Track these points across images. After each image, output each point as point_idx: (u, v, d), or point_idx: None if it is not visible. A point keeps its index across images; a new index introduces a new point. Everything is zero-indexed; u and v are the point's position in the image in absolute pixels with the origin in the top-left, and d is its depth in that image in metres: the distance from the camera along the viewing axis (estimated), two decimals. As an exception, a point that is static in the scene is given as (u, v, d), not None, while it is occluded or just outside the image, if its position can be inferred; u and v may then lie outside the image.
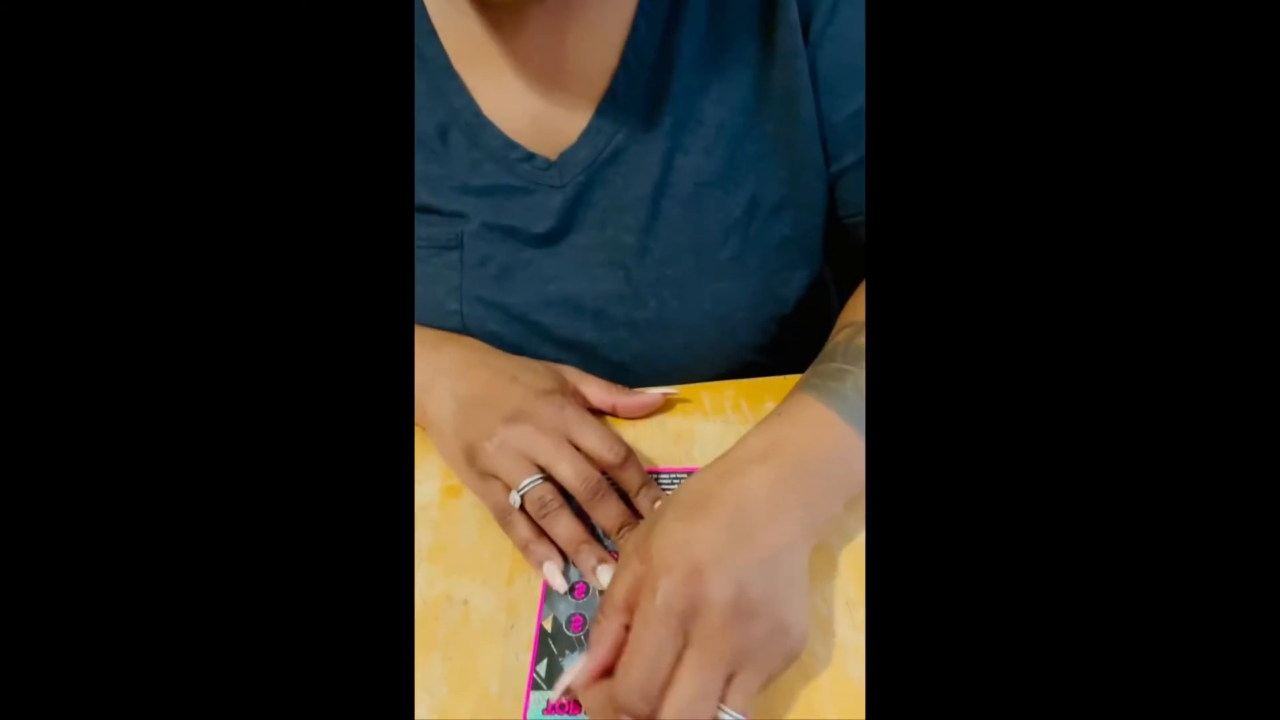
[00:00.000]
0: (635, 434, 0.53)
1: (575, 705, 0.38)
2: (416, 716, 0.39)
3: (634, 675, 0.34)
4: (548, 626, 0.42)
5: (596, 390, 0.53)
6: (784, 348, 0.60)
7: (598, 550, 0.44)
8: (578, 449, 0.45)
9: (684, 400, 0.55)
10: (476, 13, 0.51)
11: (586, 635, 0.41)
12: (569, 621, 0.42)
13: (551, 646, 0.41)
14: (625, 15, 0.52)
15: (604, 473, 0.45)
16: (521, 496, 0.44)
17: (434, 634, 0.42)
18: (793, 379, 0.56)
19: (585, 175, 0.53)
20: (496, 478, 0.45)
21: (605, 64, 0.52)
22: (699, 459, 0.51)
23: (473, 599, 0.44)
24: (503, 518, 0.45)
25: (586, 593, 0.43)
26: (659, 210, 0.54)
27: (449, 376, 0.50)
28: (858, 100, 0.51)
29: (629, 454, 0.46)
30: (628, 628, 0.36)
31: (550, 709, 0.38)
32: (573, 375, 0.53)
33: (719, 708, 0.33)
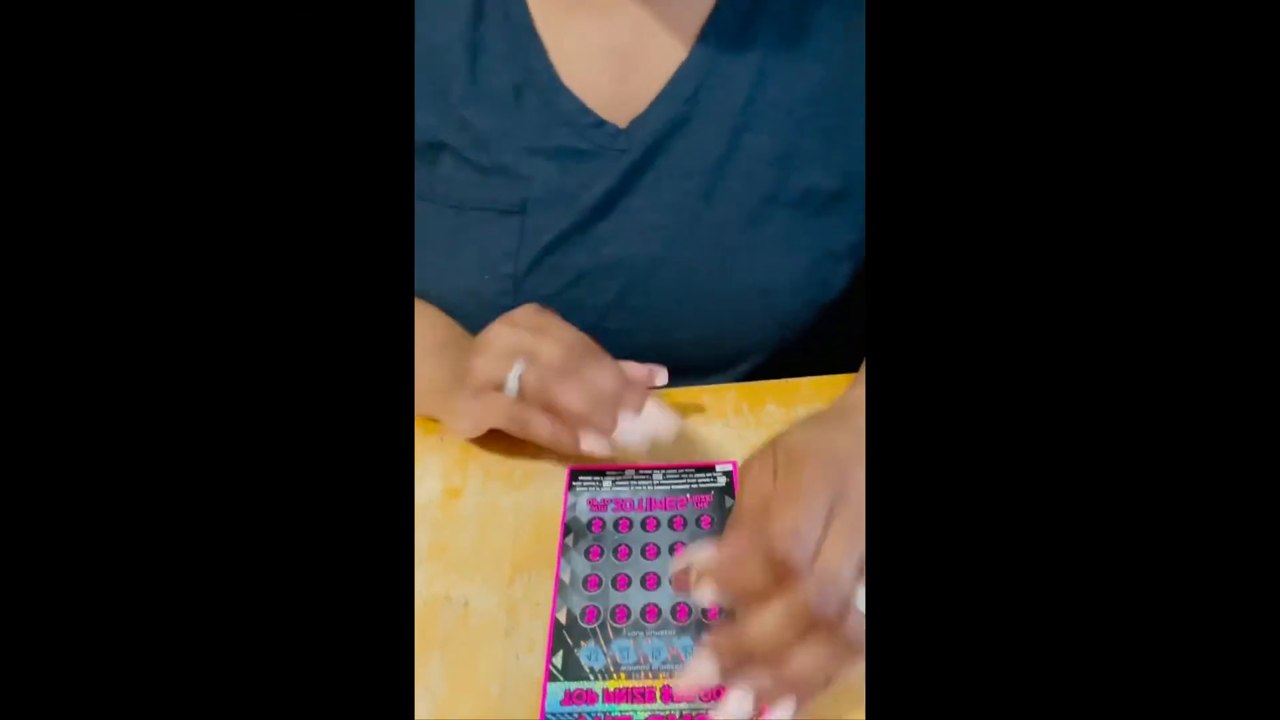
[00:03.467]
0: (636, 435, 0.53)
1: (592, 695, 0.38)
2: (416, 716, 0.39)
3: (788, 519, 0.33)
4: (561, 619, 0.42)
5: (634, 367, 0.52)
6: (824, 333, 0.61)
7: (612, 413, 0.45)
8: None
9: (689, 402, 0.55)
10: None
11: (601, 626, 0.41)
12: (583, 613, 0.42)
13: (566, 638, 0.41)
14: (694, 22, 0.53)
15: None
16: (519, 380, 0.45)
17: (434, 634, 0.42)
18: (793, 381, 0.57)
19: (653, 140, 0.54)
20: (492, 387, 0.46)
21: (685, 36, 0.54)
22: (699, 459, 0.51)
23: (472, 599, 0.44)
24: (518, 425, 0.46)
25: (599, 585, 0.44)
26: (718, 182, 0.55)
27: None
28: None
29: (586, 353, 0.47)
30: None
31: (568, 699, 0.38)
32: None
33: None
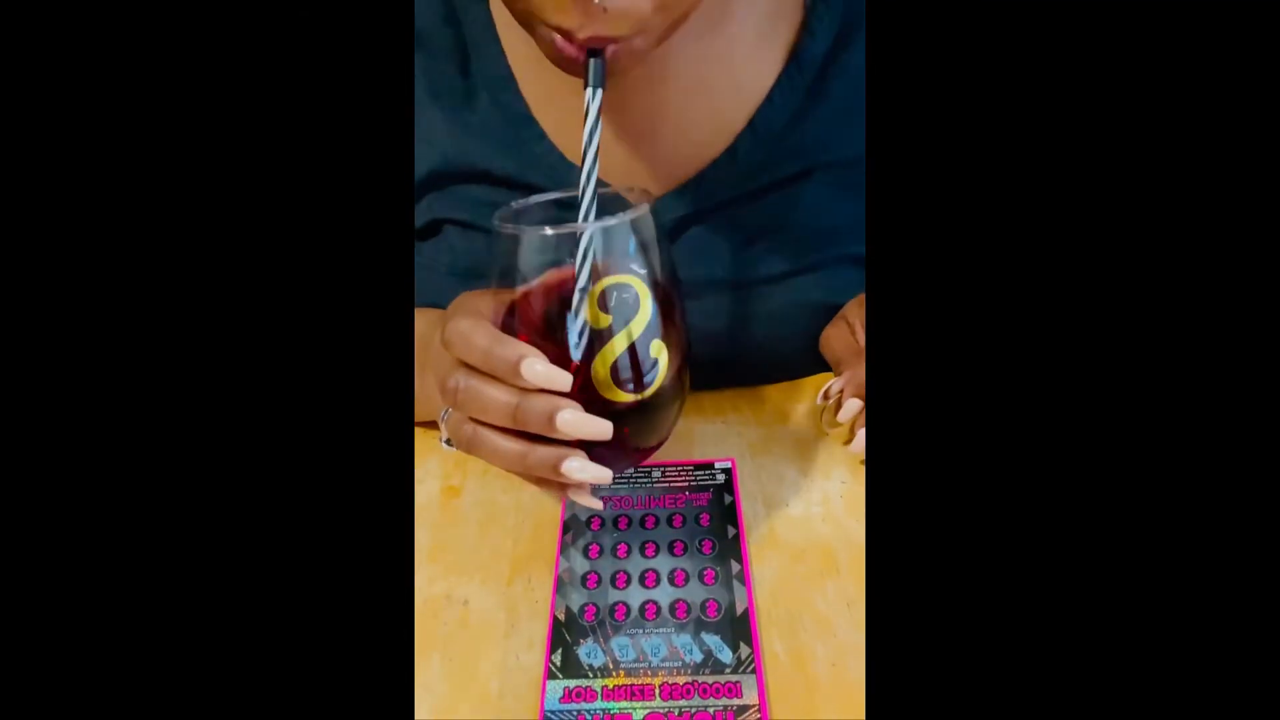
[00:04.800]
0: (635, 434, 0.53)
1: (591, 692, 0.39)
2: (416, 716, 0.39)
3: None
4: (561, 616, 0.42)
5: None
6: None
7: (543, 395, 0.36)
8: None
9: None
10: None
11: (600, 624, 0.42)
12: (582, 611, 0.42)
13: (566, 636, 0.41)
14: (754, 83, 0.52)
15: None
16: (446, 441, 0.40)
17: (434, 634, 0.42)
18: (792, 383, 0.57)
19: (685, 217, 0.53)
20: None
21: (722, 126, 0.52)
22: (698, 457, 0.51)
23: (472, 599, 0.44)
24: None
25: (598, 583, 0.44)
26: (756, 256, 0.54)
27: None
28: None
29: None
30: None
31: (567, 697, 0.39)
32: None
33: None
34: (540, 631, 0.42)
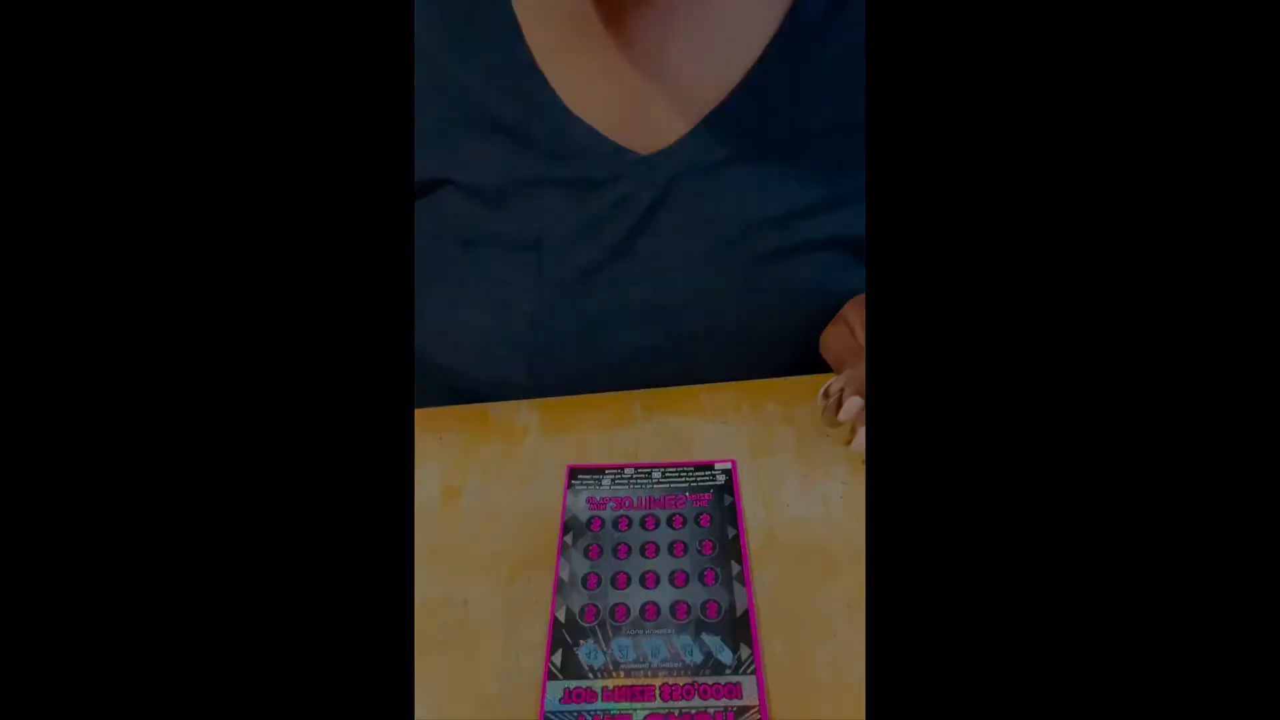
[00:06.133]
0: (636, 434, 0.53)
1: (591, 693, 0.39)
2: (416, 716, 0.39)
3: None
4: (561, 617, 0.42)
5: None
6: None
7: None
8: None
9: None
10: (571, 9, 0.50)
11: (600, 625, 0.42)
12: (582, 612, 0.42)
13: (566, 637, 0.41)
14: (752, 39, 0.52)
15: None
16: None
17: (434, 634, 0.42)
18: (793, 380, 0.57)
19: (680, 179, 0.53)
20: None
21: (719, 80, 0.53)
22: (698, 457, 0.51)
23: (473, 599, 0.44)
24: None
25: (598, 584, 0.44)
26: (751, 226, 0.54)
27: None
28: None
29: None
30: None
31: (567, 698, 0.39)
32: None
33: None
34: (540, 632, 0.42)
